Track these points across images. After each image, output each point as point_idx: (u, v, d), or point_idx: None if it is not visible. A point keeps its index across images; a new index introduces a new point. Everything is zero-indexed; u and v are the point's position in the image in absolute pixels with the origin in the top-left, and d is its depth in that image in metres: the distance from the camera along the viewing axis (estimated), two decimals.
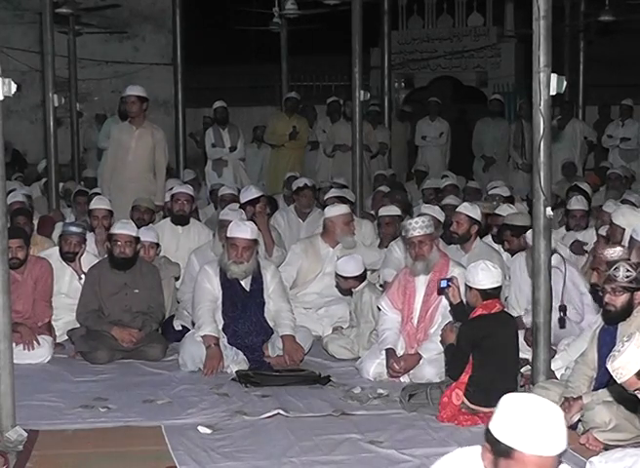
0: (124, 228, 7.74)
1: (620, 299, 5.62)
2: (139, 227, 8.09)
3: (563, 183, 11.73)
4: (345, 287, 7.66)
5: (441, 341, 6.38)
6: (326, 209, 8.77)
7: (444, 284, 6.37)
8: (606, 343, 5.66)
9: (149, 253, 8.10)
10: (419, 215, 7.54)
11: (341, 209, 8.55)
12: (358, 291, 7.51)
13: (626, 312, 5.63)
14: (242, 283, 7.29)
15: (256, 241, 7.30)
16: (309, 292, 8.38)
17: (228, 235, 7.24)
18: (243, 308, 7.27)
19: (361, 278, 7.53)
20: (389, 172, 13.00)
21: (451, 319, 6.47)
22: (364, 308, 7.40)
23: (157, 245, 8.24)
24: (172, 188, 9.64)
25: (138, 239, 7.81)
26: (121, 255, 7.68)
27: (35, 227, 9.42)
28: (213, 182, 12.77)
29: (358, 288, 7.51)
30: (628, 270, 5.58)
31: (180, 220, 9.07)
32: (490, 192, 10.39)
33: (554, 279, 6.43)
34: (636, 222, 7.41)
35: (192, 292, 7.55)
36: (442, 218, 8.58)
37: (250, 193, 8.96)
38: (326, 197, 9.73)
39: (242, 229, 7.18)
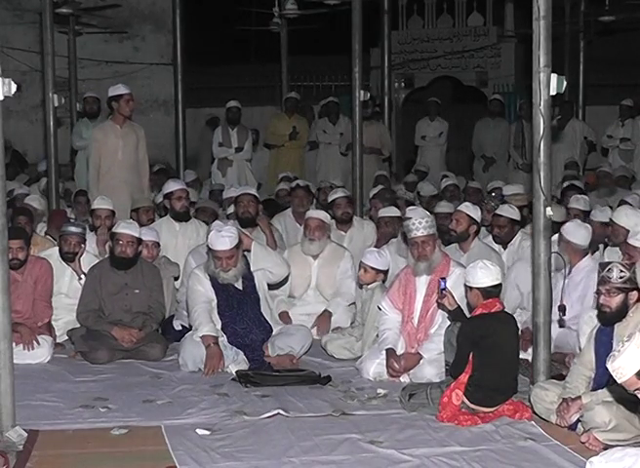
0: (127, 228, 7.75)
1: (615, 300, 5.63)
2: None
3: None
4: (364, 280, 7.44)
5: (442, 306, 6.41)
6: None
7: (443, 284, 6.37)
8: (603, 344, 5.67)
9: (152, 253, 8.11)
10: (408, 217, 7.40)
11: (319, 214, 8.48)
12: (370, 288, 7.45)
13: (622, 313, 5.65)
14: (235, 284, 7.30)
15: (238, 245, 7.22)
16: (301, 312, 8.29)
17: (210, 247, 7.21)
18: (239, 306, 7.27)
19: (382, 274, 7.45)
20: (382, 171, 12.94)
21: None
22: (372, 307, 7.35)
23: (158, 244, 8.24)
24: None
25: (140, 240, 7.82)
26: (122, 255, 7.69)
27: (46, 222, 9.51)
28: (216, 182, 12.81)
29: (371, 285, 7.45)
30: (622, 271, 5.60)
31: (185, 217, 9.02)
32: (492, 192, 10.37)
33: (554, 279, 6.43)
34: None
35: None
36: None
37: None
38: (331, 198, 9.60)
39: (221, 242, 7.11)
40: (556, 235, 7.24)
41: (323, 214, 8.49)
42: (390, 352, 6.87)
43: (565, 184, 10.82)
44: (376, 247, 8.94)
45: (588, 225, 7.48)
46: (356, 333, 7.54)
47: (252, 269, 7.37)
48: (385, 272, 7.49)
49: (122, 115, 9.96)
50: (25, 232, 8.08)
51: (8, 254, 5.61)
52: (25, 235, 7.88)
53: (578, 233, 7.21)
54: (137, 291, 7.71)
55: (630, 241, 7.06)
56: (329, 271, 8.33)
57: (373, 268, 7.40)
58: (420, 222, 6.95)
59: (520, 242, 8.36)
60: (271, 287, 7.77)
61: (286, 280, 8.06)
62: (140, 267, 7.81)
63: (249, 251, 7.41)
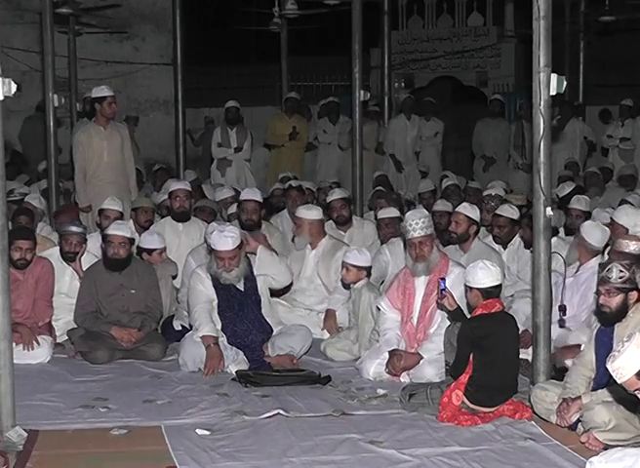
0: (118, 229, 7.71)
1: (615, 300, 5.61)
2: (146, 228, 8.21)
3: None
4: (348, 278, 7.50)
5: (441, 307, 6.48)
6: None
7: (443, 285, 6.38)
8: (603, 344, 5.67)
9: (162, 257, 8.17)
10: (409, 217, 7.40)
11: (301, 211, 8.45)
12: (357, 288, 7.47)
13: (621, 313, 5.63)
14: (236, 284, 7.29)
15: (240, 246, 7.20)
16: (301, 306, 8.30)
17: (212, 247, 7.20)
18: (240, 307, 7.27)
19: (364, 271, 7.47)
20: (382, 172, 12.94)
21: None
22: (362, 307, 7.38)
23: (164, 248, 8.30)
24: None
25: (132, 240, 7.80)
26: (115, 256, 7.66)
27: (47, 222, 9.55)
28: (215, 182, 12.82)
29: (357, 285, 7.48)
30: (621, 271, 5.58)
31: (182, 217, 9.01)
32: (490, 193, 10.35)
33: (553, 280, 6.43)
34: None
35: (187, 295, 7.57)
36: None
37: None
38: (328, 200, 9.61)
39: (224, 242, 7.10)
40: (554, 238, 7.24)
41: (304, 212, 8.44)
42: (394, 353, 6.87)
43: (567, 189, 10.69)
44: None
45: (607, 228, 7.47)
46: (352, 337, 7.53)
47: (255, 273, 7.36)
48: (368, 269, 7.50)
49: (104, 117, 9.98)
50: (33, 233, 8.08)
51: (9, 254, 5.62)
52: (34, 236, 7.87)
53: (594, 234, 7.25)
54: (133, 291, 7.69)
55: None
56: (326, 264, 8.33)
57: (354, 266, 7.42)
58: (416, 223, 6.94)
59: (520, 242, 8.36)
60: (273, 293, 7.77)
61: (288, 288, 8.06)
62: (135, 267, 7.78)
63: (254, 254, 7.41)
